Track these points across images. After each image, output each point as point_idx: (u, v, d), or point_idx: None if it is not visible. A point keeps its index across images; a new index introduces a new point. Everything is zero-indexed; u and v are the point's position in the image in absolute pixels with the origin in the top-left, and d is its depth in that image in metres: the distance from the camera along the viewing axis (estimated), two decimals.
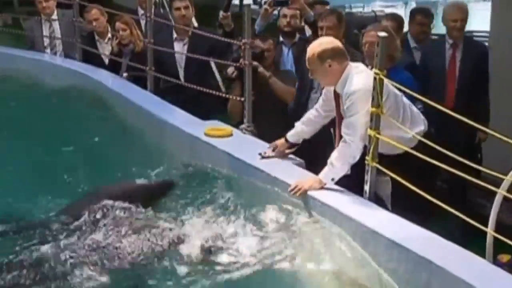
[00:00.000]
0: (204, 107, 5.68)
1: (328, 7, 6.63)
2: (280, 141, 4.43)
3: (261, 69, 5.22)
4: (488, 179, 3.18)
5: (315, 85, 5.11)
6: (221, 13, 6.07)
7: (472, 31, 6.11)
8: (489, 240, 3.16)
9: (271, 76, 5.27)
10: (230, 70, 5.36)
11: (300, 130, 4.37)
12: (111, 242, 3.66)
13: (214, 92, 5.53)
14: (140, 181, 4.32)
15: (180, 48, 6.20)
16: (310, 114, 4.35)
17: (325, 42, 4.04)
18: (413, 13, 6.30)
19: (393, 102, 3.94)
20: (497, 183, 3.11)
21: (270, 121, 5.15)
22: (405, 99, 4.05)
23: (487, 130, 3.56)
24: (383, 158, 3.77)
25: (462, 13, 5.52)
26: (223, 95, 5.50)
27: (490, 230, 3.13)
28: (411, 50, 5.88)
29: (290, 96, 5.39)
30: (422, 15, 6.12)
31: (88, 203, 4.06)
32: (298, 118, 4.45)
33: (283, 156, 4.42)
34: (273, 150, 4.44)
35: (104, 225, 3.81)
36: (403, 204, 3.75)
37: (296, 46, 5.91)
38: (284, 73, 5.60)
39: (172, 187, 4.27)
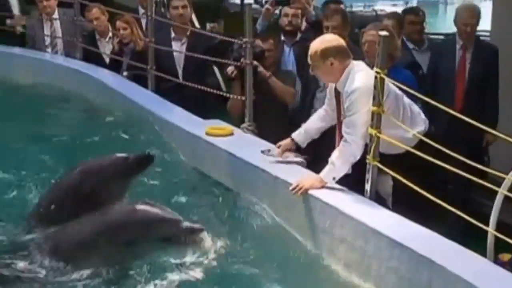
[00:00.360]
0: (204, 106, 5.68)
1: (342, 6, 6.58)
2: (286, 141, 4.32)
3: (260, 68, 5.21)
4: (494, 180, 3.18)
5: (321, 83, 5.02)
6: (208, 25, 6.06)
7: None
8: (490, 239, 3.16)
9: (270, 76, 5.25)
10: (230, 69, 5.35)
11: (307, 129, 4.27)
12: (104, 242, 3.61)
13: (214, 91, 5.53)
14: (119, 154, 4.11)
15: (178, 48, 6.20)
16: (318, 113, 4.29)
17: (328, 40, 4.01)
18: (403, 13, 6.22)
19: (393, 101, 3.91)
20: (501, 183, 3.11)
21: (271, 120, 5.14)
22: (405, 99, 4.02)
23: (494, 132, 3.55)
24: (384, 157, 3.77)
25: (473, 18, 5.45)
26: (223, 94, 5.50)
27: (491, 229, 3.13)
28: (410, 51, 5.83)
29: (290, 96, 5.37)
30: (412, 15, 6.06)
31: (69, 186, 3.98)
32: (302, 117, 4.39)
33: (285, 155, 4.40)
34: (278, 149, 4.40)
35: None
36: (404, 203, 3.75)
37: (297, 45, 5.90)
38: (284, 73, 5.58)
39: (150, 160, 4.14)
